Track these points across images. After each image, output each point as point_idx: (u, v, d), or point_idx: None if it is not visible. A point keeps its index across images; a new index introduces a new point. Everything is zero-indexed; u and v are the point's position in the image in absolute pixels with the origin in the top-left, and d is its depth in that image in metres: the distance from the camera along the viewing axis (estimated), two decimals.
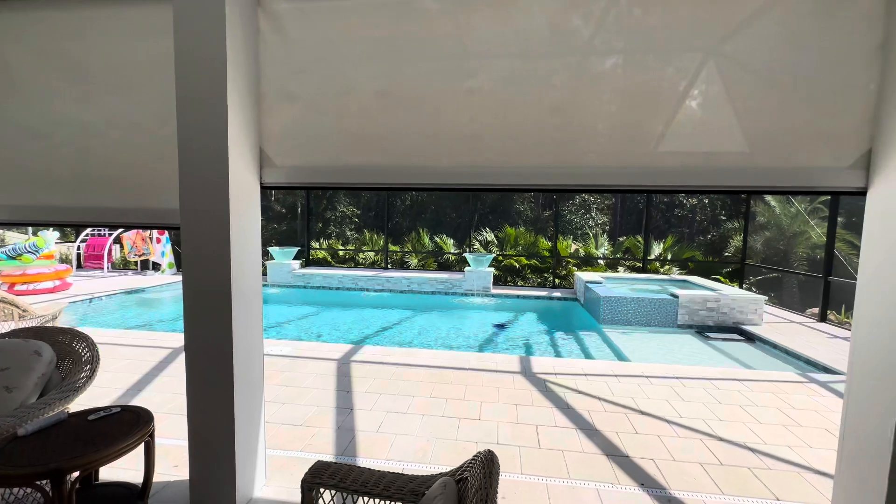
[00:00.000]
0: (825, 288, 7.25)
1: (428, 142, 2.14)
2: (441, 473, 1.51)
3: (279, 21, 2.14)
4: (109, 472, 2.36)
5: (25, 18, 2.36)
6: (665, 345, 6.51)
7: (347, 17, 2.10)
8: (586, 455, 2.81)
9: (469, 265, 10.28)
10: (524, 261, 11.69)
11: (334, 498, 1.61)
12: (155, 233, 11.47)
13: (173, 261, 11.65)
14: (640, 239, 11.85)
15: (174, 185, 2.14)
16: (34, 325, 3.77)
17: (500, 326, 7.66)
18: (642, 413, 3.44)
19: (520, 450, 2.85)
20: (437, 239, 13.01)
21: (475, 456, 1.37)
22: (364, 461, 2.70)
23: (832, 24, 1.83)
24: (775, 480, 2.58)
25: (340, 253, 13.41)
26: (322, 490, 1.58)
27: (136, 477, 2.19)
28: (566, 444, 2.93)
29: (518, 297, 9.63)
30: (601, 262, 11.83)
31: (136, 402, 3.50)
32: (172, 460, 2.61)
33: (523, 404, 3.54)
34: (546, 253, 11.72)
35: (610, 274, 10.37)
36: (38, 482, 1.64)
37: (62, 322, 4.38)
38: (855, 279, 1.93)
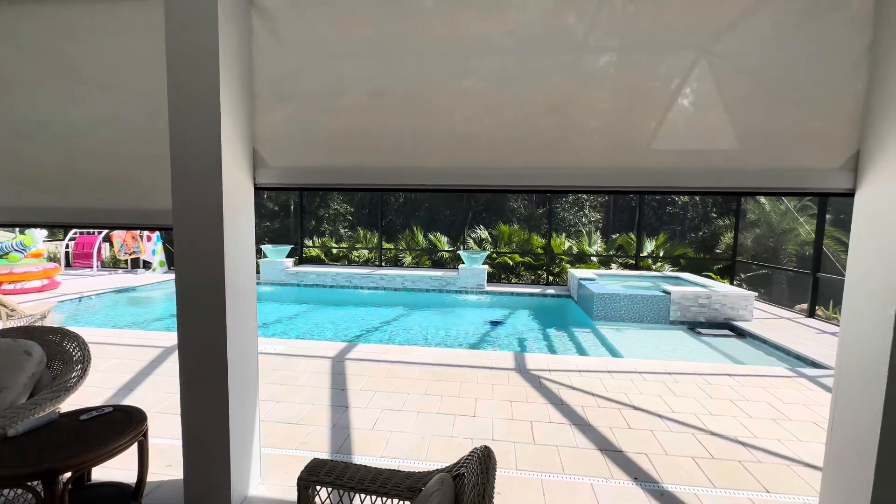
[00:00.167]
0: (814, 284, 7.36)
1: (422, 142, 2.13)
2: (438, 470, 1.52)
3: (272, 20, 2.12)
4: (102, 473, 2.34)
5: (11, 15, 2.31)
6: (657, 341, 6.57)
7: (341, 16, 2.08)
8: (580, 450, 2.84)
9: (463, 263, 10.29)
10: (518, 258, 11.72)
11: (330, 495, 1.61)
12: (146, 231, 11.34)
13: (164, 259, 11.52)
14: (632, 236, 11.93)
15: (166, 185, 2.12)
16: (23, 324, 3.72)
17: (495, 323, 7.69)
18: (635, 408, 3.48)
19: (515, 446, 2.87)
20: (432, 236, 13.00)
21: (472, 452, 1.38)
22: (359, 458, 2.70)
23: (821, 27, 1.85)
24: (765, 473, 2.62)
25: (334, 251, 13.35)
26: (318, 488, 1.58)
27: (130, 477, 2.17)
28: (560, 440, 2.96)
29: (512, 294, 9.66)
30: (594, 259, 11.90)
31: (129, 401, 3.46)
32: (166, 460, 2.60)
33: (518, 401, 3.56)
34: (540, 250, 11.77)
35: (603, 271, 10.44)
36: (29, 483, 1.62)
37: (51, 322, 4.32)
38: (842, 275, 1.97)
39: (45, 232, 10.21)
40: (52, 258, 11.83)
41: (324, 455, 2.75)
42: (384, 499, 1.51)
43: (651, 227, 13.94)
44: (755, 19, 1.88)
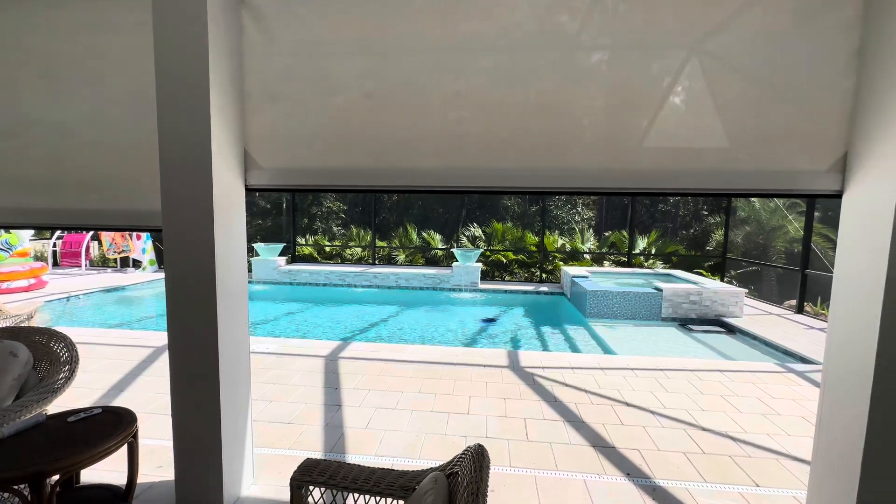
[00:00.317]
0: (802, 280, 7.47)
1: (415, 142, 2.12)
2: (431, 468, 1.52)
3: (263, 18, 2.09)
4: (92, 475, 2.31)
5: None
6: (649, 337, 6.64)
7: (333, 14, 2.06)
8: (573, 447, 2.85)
9: (457, 260, 10.30)
10: (511, 256, 11.75)
11: (324, 495, 1.60)
12: None
13: (154, 258, 11.38)
14: (625, 234, 12.01)
15: (154, 186, 2.08)
16: (9, 325, 3.65)
17: (488, 321, 7.70)
18: (628, 405, 3.51)
19: (508, 443, 2.88)
20: (425, 234, 12.98)
21: (465, 450, 1.38)
22: (353, 458, 2.70)
23: (811, 30, 1.86)
24: (755, 467, 2.66)
25: (327, 249, 13.28)
26: (311, 487, 1.57)
27: (120, 479, 2.15)
28: (554, 437, 2.97)
29: (506, 291, 9.69)
30: (587, 256, 11.97)
31: (119, 402, 3.42)
32: (157, 461, 2.57)
33: (511, 398, 3.57)
34: (533, 248, 11.80)
35: (596, 268, 10.50)
36: (15, 486, 1.59)
37: (38, 322, 4.25)
38: (830, 272, 1.99)
39: (31, 230, 10.04)
40: (39, 257, 11.63)
41: (317, 454, 2.74)
42: (378, 498, 1.51)
43: (643, 225, 14.05)
44: (746, 21, 1.89)
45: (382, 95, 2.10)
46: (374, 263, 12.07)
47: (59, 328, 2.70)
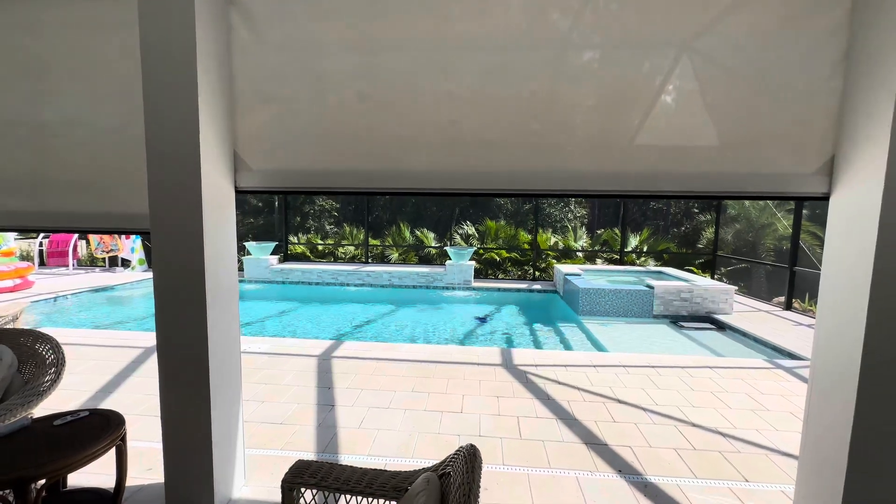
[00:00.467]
0: (791, 278, 7.58)
1: (408, 143, 2.10)
2: (424, 468, 1.51)
3: (252, 18, 2.05)
4: (79, 478, 2.27)
5: None
6: (641, 334, 6.69)
7: (323, 14, 2.03)
8: (566, 444, 2.87)
9: (450, 259, 10.30)
10: (505, 254, 11.78)
11: (315, 497, 1.59)
12: None
13: (144, 257, 11.23)
14: (617, 231, 12.10)
15: (142, 188, 2.04)
16: None
17: (482, 319, 7.72)
18: (620, 402, 3.53)
19: (501, 441, 2.89)
20: (418, 233, 12.96)
21: (458, 450, 1.37)
22: (346, 458, 2.69)
23: (800, 32, 1.88)
24: (745, 463, 2.69)
25: (319, 247, 13.21)
26: (303, 489, 1.56)
27: (108, 482, 2.12)
28: (546, 434, 2.98)
29: (499, 289, 9.71)
30: (580, 254, 12.03)
31: (107, 404, 3.37)
32: (146, 463, 2.54)
33: (505, 396, 3.58)
34: (526, 246, 11.84)
35: (588, 266, 10.57)
36: (0, 492, 1.56)
37: (23, 323, 4.18)
38: (818, 269, 2.02)
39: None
40: (25, 257, 11.43)
41: (310, 455, 2.72)
42: (370, 499, 1.50)
43: (635, 223, 14.15)
44: (735, 22, 1.91)
45: (374, 96, 2.08)
46: (367, 262, 12.03)
47: (45, 329, 2.65)
